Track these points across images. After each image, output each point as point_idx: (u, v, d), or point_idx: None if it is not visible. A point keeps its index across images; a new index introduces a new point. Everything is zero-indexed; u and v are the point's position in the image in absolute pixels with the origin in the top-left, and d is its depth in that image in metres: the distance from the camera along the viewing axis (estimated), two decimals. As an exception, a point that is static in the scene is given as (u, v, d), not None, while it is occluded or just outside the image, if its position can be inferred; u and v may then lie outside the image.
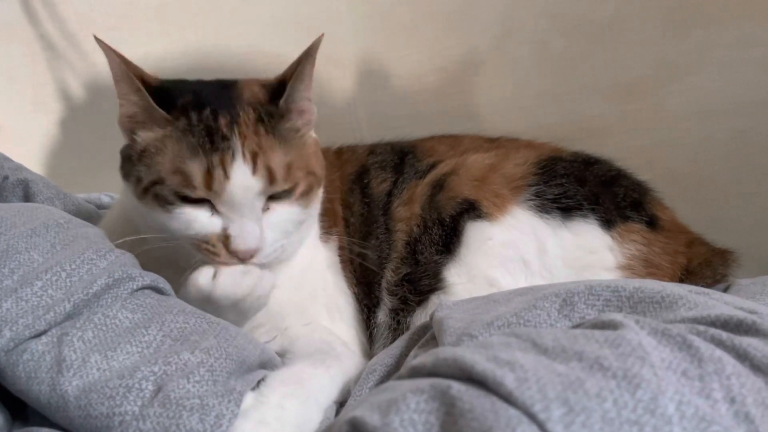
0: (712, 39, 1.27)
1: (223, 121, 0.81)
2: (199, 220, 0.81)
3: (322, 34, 0.84)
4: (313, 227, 0.97)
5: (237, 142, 0.80)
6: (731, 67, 1.27)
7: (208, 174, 0.78)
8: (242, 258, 0.81)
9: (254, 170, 0.80)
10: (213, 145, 0.79)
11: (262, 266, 0.84)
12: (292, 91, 0.85)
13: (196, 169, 0.79)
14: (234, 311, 0.83)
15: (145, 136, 0.83)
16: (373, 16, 1.34)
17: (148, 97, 0.81)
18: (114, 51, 0.80)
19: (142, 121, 0.83)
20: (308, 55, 0.84)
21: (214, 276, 0.81)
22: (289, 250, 0.90)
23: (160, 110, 0.81)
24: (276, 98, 0.85)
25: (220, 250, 0.81)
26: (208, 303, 0.81)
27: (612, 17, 1.28)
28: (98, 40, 0.80)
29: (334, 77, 1.36)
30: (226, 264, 0.82)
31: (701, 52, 1.27)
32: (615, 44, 1.30)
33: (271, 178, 0.81)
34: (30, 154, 1.45)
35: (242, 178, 0.79)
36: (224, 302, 0.81)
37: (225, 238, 0.81)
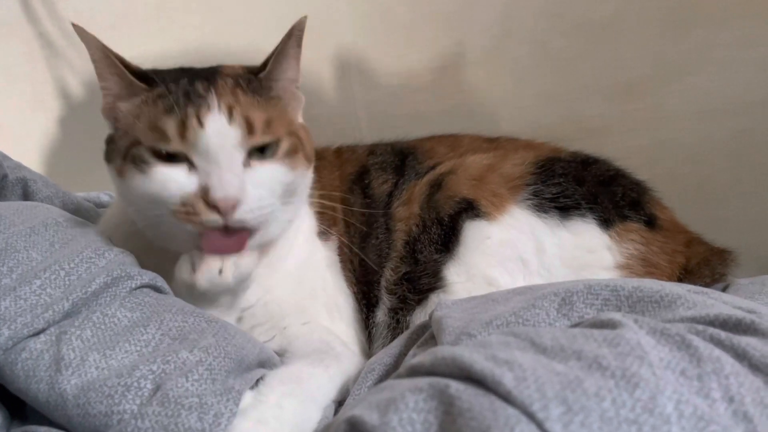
0: (711, 39, 1.26)
1: (199, 85, 0.80)
2: (175, 178, 0.77)
3: (305, 16, 0.84)
4: (303, 208, 0.95)
5: (213, 97, 0.79)
6: (731, 67, 1.26)
7: (182, 125, 0.77)
8: (223, 210, 0.76)
9: (230, 119, 0.78)
10: (189, 101, 0.79)
11: (252, 232, 0.81)
12: (274, 65, 0.84)
13: (170, 121, 0.77)
14: (222, 296, 0.83)
15: (124, 108, 0.83)
16: (372, 15, 1.34)
17: (125, 72, 0.80)
18: (92, 36, 0.80)
19: (122, 97, 0.82)
20: (291, 35, 0.84)
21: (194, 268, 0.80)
22: (278, 224, 0.86)
23: (138, 82, 0.81)
24: (257, 73, 0.85)
25: (201, 208, 0.76)
26: (192, 296, 0.81)
27: (612, 17, 1.28)
28: (76, 26, 0.80)
29: (333, 76, 1.35)
30: (207, 222, 0.77)
31: (701, 51, 1.27)
32: (614, 44, 1.30)
33: (249, 127, 0.79)
34: (29, 152, 1.45)
35: (217, 126, 0.77)
36: (208, 291, 0.81)
37: (204, 193, 0.76)
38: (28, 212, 0.83)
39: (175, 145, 0.77)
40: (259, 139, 0.80)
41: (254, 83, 0.83)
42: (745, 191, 1.31)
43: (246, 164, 0.80)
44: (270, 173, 0.81)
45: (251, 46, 1.31)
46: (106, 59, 0.81)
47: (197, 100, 0.78)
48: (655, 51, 1.29)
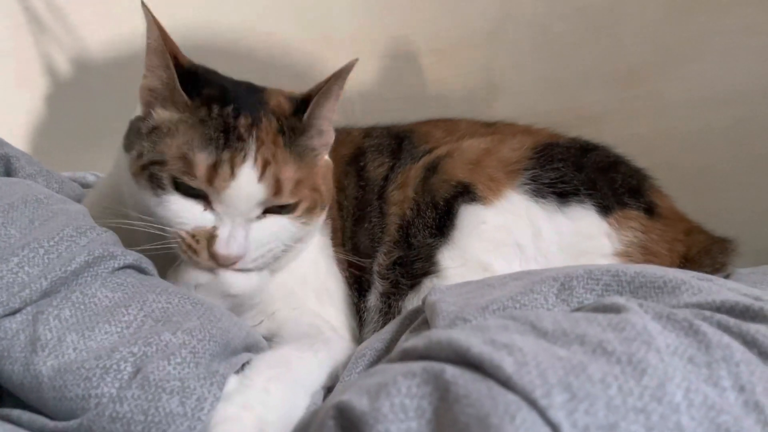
0: (712, 26, 1.25)
1: (243, 122, 0.79)
2: (190, 210, 0.78)
3: (357, 59, 0.82)
4: (314, 239, 0.94)
5: (252, 146, 0.77)
6: (732, 55, 1.25)
7: (213, 168, 0.76)
8: (221, 263, 0.78)
9: (261, 177, 0.77)
10: (227, 142, 0.77)
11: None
12: (317, 107, 0.82)
13: (202, 159, 0.76)
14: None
15: (161, 114, 0.80)
16: (370, -4, 1.31)
17: (175, 78, 0.78)
18: (156, 21, 0.78)
19: (163, 99, 0.81)
20: (339, 76, 0.82)
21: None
22: (281, 263, 0.87)
23: (184, 94, 0.79)
24: (300, 112, 0.83)
25: (202, 249, 0.77)
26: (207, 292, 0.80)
27: (612, 2, 1.27)
28: (144, 6, 0.78)
29: (328, 57, 1.32)
30: (202, 265, 0.78)
31: (702, 39, 1.26)
32: (615, 29, 1.28)
33: (277, 189, 0.79)
34: (13, 130, 1.41)
35: (247, 181, 0.77)
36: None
37: (211, 238, 0.77)
38: (7, 188, 0.80)
39: (199, 184, 0.76)
40: (284, 201, 0.80)
41: (295, 131, 0.82)
42: (744, 180, 1.30)
43: (260, 216, 0.80)
44: (282, 228, 0.82)
45: (243, 23, 1.29)
46: (160, 54, 0.78)
47: (235, 145, 0.77)
48: (655, 38, 1.28)
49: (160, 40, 0.78)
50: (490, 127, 1.07)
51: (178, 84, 0.78)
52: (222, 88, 0.83)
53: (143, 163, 0.79)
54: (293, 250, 0.87)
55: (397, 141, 1.04)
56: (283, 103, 0.84)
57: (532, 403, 0.41)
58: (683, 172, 1.19)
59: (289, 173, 0.80)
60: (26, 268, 0.68)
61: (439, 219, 0.92)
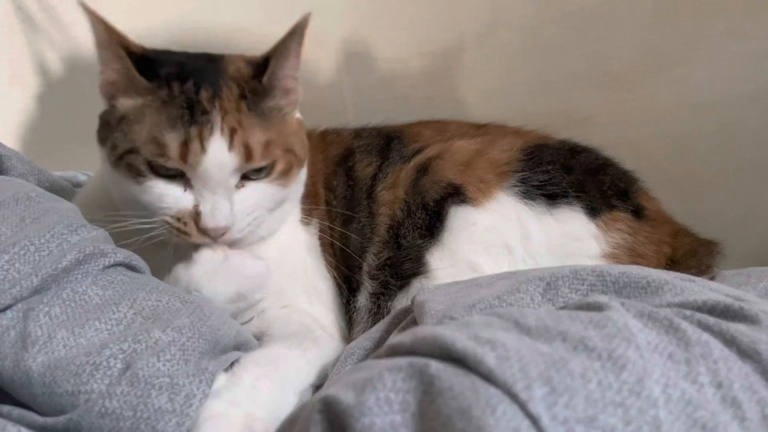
0: (700, 31, 1.26)
1: (204, 95, 0.79)
2: (171, 193, 0.79)
3: (310, 13, 0.83)
4: (295, 208, 0.95)
5: (217, 117, 0.78)
6: (720, 59, 1.26)
7: (185, 146, 0.77)
8: (213, 236, 0.80)
9: (230, 146, 0.78)
10: (192, 117, 0.78)
11: (239, 243, 0.84)
12: (276, 67, 0.83)
13: (172, 139, 0.77)
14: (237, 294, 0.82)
15: (125, 103, 0.81)
16: (361, -2, 1.32)
17: (130, 65, 0.79)
18: (97, 16, 0.79)
19: (124, 89, 0.81)
20: (294, 33, 0.82)
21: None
22: (267, 228, 0.88)
23: (142, 79, 0.79)
24: (260, 74, 0.83)
25: (191, 228, 0.80)
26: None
27: (602, 5, 1.27)
28: (83, 5, 0.79)
29: (319, 58, 1.33)
30: (197, 243, 0.81)
31: (691, 43, 1.26)
32: (604, 33, 1.28)
33: (247, 154, 0.80)
34: (4, 129, 1.41)
35: (218, 153, 0.78)
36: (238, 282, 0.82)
37: (196, 215, 0.79)
38: (-2, 186, 0.80)
39: (174, 164, 0.78)
40: (256, 164, 0.81)
41: (257, 92, 0.82)
42: (731, 184, 1.31)
43: (239, 185, 0.82)
44: (262, 193, 0.84)
45: (236, 23, 1.29)
46: (110, 44, 0.79)
47: (201, 119, 0.78)
48: (644, 42, 1.28)
49: (106, 34, 0.78)
50: (480, 129, 1.07)
51: (134, 71, 0.79)
52: (179, 64, 0.83)
53: (119, 153, 0.80)
54: (276, 215, 0.88)
55: (386, 141, 1.04)
56: (243, 68, 0.85)
57: (513, 396, 0.42)
58: (671, 174, 1.20)
59: (257, 137, 0.80)
60: (17, 266, 0.68)
61: (429, 220, 0.92)
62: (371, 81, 1.36)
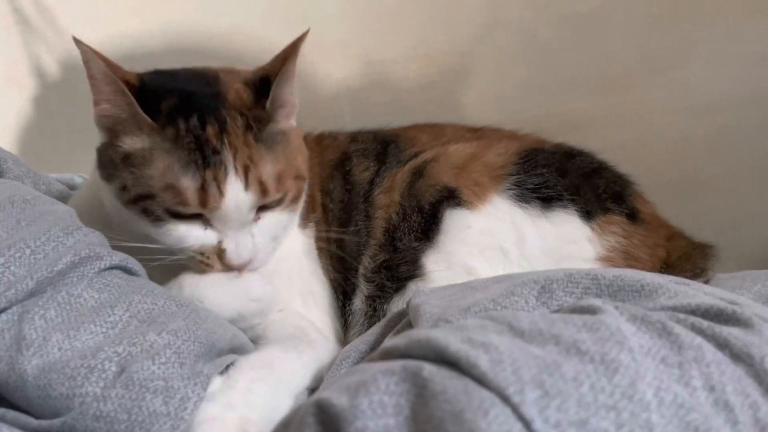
0: (697, 34, 1.26)
1: (211, 131, 0.79)
2: (193, 234, 0.80)
3: (308, 30, 0.83)
4: (295, 222, 0.95)
5: (228, 156, 0.78)
6: (716, 63, 1.26)
7: (202, 191, 0.77)
8: (237, 269, 0.82)
9: (246, 186, 0.79)
10: (204, 159, 0.78)
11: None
12: (278, 90, 0.83)
13: (189, 186, 0.77)
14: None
15: (130, 143, 0.80)
16: (357, 0, 1.32)
17: (134, 102, 0.77)
18: (96, 52, 0.76)
19: (125, 124, 0.80)
20: (293, 53, 0.83)
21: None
22: (276, 249, 0.89)
23: (147, 118, 0.78)
24: (260, 98, 0.83)
25: (215, 262, 0.81)
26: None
27: (598, 9, 1.27)
28: (77, 41, 0.76)
29: (316, 61, 1.33)
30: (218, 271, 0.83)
31: (687, 46, 1.27)
32: (601, 36, 1.29)
33: (263, 191, 0.81)
34: (0, 131, 1.41)
35: (235, 194, 0.78)
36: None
37: (220, 252, 0.81)
38: (-7, 189, 0.80)
39: (194, 210, 0.78)
40: (271, 198, 0.82)
41: (261, 121, 0.82)
42: (726, 187, 1.31)
43: (255, 218, 0.83)
44: (277, 221, 0.85)
45: (232, 27, 1.29)
46: (112, 82, 0.77)
47: (213, 160, 0.78)
48: (641, 45, 1.29)
49: (107, 70, 0.76)
50: (476, 132, 1.08)
51: (138, 108, 0.77)
52: (179, 93, 0.82)
53: (131, 197, 0.79)
54: (283, 237, 0.90)
55: (383, 145, 1.05)
56: (242, 93, 0.84)
57: (506, 400, 0.42)
58: (667, 178, 1.20)
59: (269, 171, 0.81)
60: (12, 268, 0.68)
61: (424, 223, 0.92)
62: (368, 84, 1.36)
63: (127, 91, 0.77)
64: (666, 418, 0.43)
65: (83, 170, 1.21)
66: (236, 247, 0.81)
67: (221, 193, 0.77)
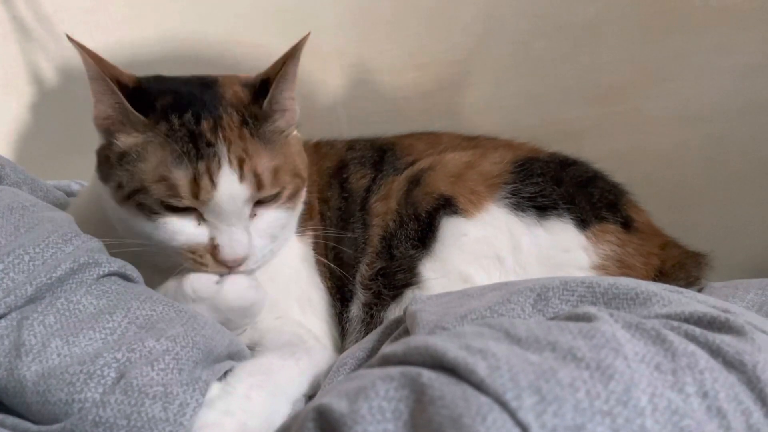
0: (690, 46, 1.28)
1: (206, 125, 0.79)
2: (185, 230, 0.80)
3: (308, 34, 0.83)
4: (294, 224, 0.95)
5: (222, 148, 0.78)
6: (709, 74, 1.28)
7: (195, 183, 0.77)
8: (230, 267, 0.81)
9: (241, 177, 0.78)
10: (198, 151, 0.78)
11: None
12: (276, 92, 0.83)
13: (182, 177, 0.77)
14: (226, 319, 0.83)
15: (124, 140, 0.80)
16: (354, 9, 1.33)
17: (124, 102, 0.78)
18: (87, 49, 0.77)
19: (120, 123, 0.80)
20: (293, 56, 0.82)
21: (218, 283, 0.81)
22: (275, 252, 0.89)
23: (139, 115, 0.78)
24: (259, 98, 0.83)
25: (208, 260, 0.80)
26: (206, 305, 0.81)
27: (593, 20, 1.29)
28: (71, 39, 0.78)
29: (313, 70, 1.34)
30: (214, 273, 0.82)
31: (679, 58, 1.28)
32: (595, 47, 1.30)
33: (258, 184, 0.80)
34: (-1, 138, 1.42)
35: (229, 186, 0.78)
36: (228, 309, 0.82)
37: (213, 248, 0.80)
38: (-8, 195, 0.80)
39: (186, 203, 0.78)
40: (267, 192, 0.82)
41: (258, 118, 0.82)
42: (718, 197, 1.33)
43: (252, 214, 0.82)
44: (273, 220, 0.84)
45: (230, 35, 1.30)
46: (104, 81, 0.78)
47: (207, 152, 0.77)
48: (634, 56, 1.30)
49: (97, 68, 0.77)
50: (472, 141, 1.08)
51: (128, 106, 0.78)
52: (174, 93, 0.82)
53: (126, 193, 0.79)
54: (283, 237, 0.89)
55: (380, 153, 1.05)
56: (240, 93, 0.84)
57: (503, 405, 0.42)
58: (660, 187, 1.22)
59: (264, 163, 0.81)
60: (11, 275, 0.68)
61: (421, 231, 0.93)
62: (365, 93, 1.37)
63: (116, 89, 0.77)
64: (660, 423, 0.43)
65: (81, 177, 1.22)
66: (230, 241, 0.79)
67: (214, 185, 0.77)
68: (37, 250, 0.71)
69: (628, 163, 1.08)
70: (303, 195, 0.91)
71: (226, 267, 0.81)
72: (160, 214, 0.79)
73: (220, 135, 0.79)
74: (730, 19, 1.25)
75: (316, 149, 1.09)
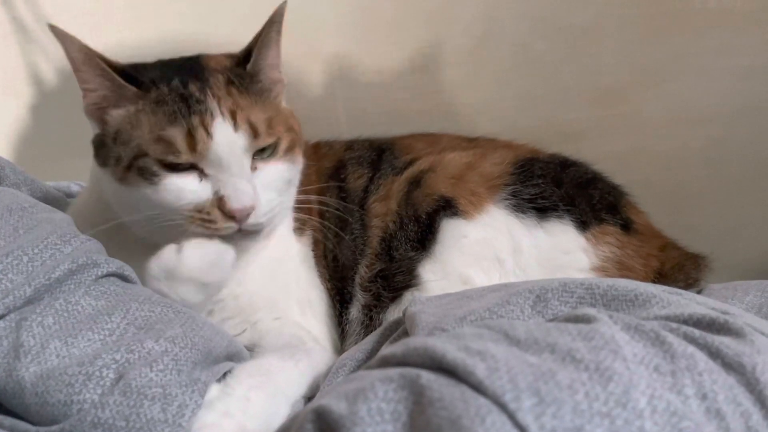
0: (689, 48, 1.28)
1: (193, 87, 0.81)
2: (189, 187, 0.80)
3: (285, 2, 0.85)
4: (293, 196, 0.94)
5: (213, 103, 0.80)
6: (708, 76, 1.28)
7: (190, 136, 0.78)
8: (239, 218, 0.80)
9: (235, 126, 0.80)
10: (189, 109, 0.79)
11: (249, 235, 0.83)
12: (259, 57, 0.86)
13: (177, 133, 0.78)
14: (196, 287, 0.80)
15: (116, 115, 0.82)
16: (354, 11, 1.33)
17: (114, 76, 0.80)
18: (70, 36, 0.79)
19: (112, 101, 0.82)
20: (272, 22, 0.85)
21: (179, 251, 0.79)
22: (280, 215, 0.89)
23: (130, 86, 0.80)
24: (243, 64, 0.86)
25: (216, 215, 0.79)
26: (172, 279, 0.79)
27: (592, 22, 1.29)
28: (53, 27, 0.79)
29: (313, 71, 1.34)
30: (223, 230, 0.80)
31: (679, 59, 1.28)
32: (594, 49, 1.30)
33: (254, 132, 0.81)
34: (-2, 139, 1.42)
35: (225, 135, 0.79)
36: (189, 275, 0.79)
37: (219, 201, 0.79)
38: (-8, 196, 0.80)
39: (185, 157, 0.78)
40: (263, 142, 0.82)
41: (244, 78, 0.84)
42: (718, 199, 1.33)
43: (253, 167, 0.83)
44: (275, 173, 0.85)
45: (229, 37, 1.29)
46: (89, 61, 0.80)
47: (198, 107, 0.79)
48: (633, 57, 1.30)
49: (84, 51, 0.79)
50: (472, 142, 1.08)
51: (120, 80, 0.80)
52: (160, 67, 0.85)
53: (126, 164, 0.80)
54: (286, 201, 0.89)
55: (378, 152, 1.05)
56: (223, 60, 0.87)
57: (502, 407, 0.42)
58: (659, 189, 1.21)
59: (257, 114, 0.82)
60: (10, 276, 0.68)
61: (421, 232, 0.93)
62: (364, 94, 1.37)
63: (106, 66, 0.79)
64: (659, 425, 0.43)
65: (80, 178, 1.21)
66: (235, 191, 0.79)
67: (209, 135, 0.78)
68: (35, 251, 0.72)
69: (627, 165, 1.08)
70: (301, 156, 0.92)
71: (235, 221, 0.80)
72: (161, 175, 0.79)
73: (209, 93, 0.81)
74: (730, 20, 1.25)
75: (316, 150, 1.09)
